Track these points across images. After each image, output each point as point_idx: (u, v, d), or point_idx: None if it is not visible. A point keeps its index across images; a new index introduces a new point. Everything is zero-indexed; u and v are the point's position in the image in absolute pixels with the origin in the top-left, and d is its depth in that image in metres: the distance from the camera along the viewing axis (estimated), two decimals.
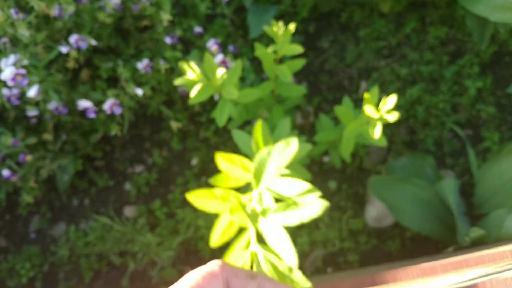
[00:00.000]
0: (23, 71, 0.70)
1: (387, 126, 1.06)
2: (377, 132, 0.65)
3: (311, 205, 0.47)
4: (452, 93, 1.09)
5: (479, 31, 0.99)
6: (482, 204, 0.85)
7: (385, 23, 1.14)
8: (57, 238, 1.08)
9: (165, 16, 0.83)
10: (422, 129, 1.08)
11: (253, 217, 0.47)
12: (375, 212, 1.01)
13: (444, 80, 1.10)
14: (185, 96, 1.02)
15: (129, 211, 1.08)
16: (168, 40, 0.89)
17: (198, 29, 0.96)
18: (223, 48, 1.04)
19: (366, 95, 0.67)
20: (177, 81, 0.63)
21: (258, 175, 0.48)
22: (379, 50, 1.14)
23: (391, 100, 0.64)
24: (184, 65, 0.62)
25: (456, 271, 0.48)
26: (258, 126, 0.54)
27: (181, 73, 0.94)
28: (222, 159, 0.51)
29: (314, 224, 1.04)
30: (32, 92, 0.72)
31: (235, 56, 1.06)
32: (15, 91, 0.72)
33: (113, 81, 0.96)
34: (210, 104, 1.10)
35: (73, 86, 0.90)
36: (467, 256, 0.50)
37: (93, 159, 1.12)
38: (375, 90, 0.70)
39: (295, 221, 0.47)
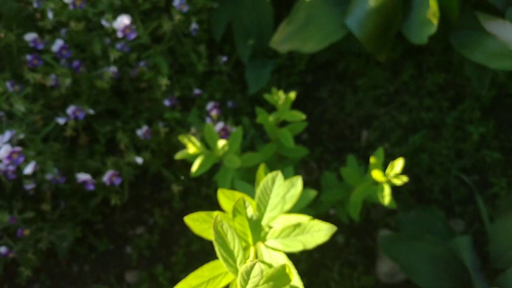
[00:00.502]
0: (18, 148, 0.68)
1: None
2: (386, 197, 0.63)
3: (317, 229, 0.45)
4: (455, 139, 1.08)
5: (478, 77, 0.99)
6: (497, 259, 0.82)
7: (382, 71, 1.14)
8: None
9: (163, 81, 0.83)
10: (427, 177, 1.06)
11: (256, 230, 0.45)
12: (387, 267, 0.98)
13: (446, 126, 1.09)
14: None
15: (130, 276, 1.04)
16: (166, 102, 0.88)
17: (197, 91, 0.95)
18: (221, 104, 1.03)
19: (372, 159, 0.65)
20: (178, 155, 0.61)
21: (261, 203, 0.46)
22: (378, 98, 1.14)
23: (399, 164, 0.62)
24: (184, 139, 0.61)
25: None
26: (261, 170, 0.52)
27: (180, 132, 0.93)
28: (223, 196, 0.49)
29: (324, 284, 1.00)
30: (28, 169, 0.70)
31: (235, 112, 1.05)
32: (11, 167, 0.70)
33: (111, 145, 0.95)
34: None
35: (71, 153, 0.88)
36: None
37: (92, 223, 1.09)
38: (380, 152, 0.69)
39: (298, 247, 0.45)
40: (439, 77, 1.12)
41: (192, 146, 0.60)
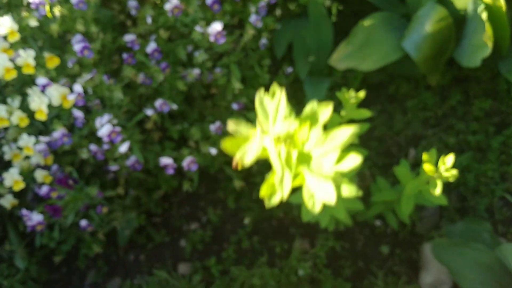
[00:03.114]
0: (118, 128, 0.79)
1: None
2: (437, 190, 0.69)
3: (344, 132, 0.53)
4: (500, 162, 1.13)
5: None
6: None
7: (431, 95, 1.21)
8: None
9: (237, 85, 0.93)
10: (472, 197, 1.10)
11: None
12: (431, 278, 1.01)
13: (491, 149, 1.14)
14: None
15: (183, 267, 1.11)
16: (235, 106, 0.98)
17: None
18: None
19: (425, 156, 0.72)
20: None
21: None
22: (426, 120, 1.20)
23: (449, 159, 0.69)
24: None
25: None
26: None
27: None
28: None
29: None
30: (123, 148, 0.80)
31: None
32: (105, 147, 0.80)
33: (181, 142, 1.04)
34: (265, 165, 1.16)
35: (145, 147, 0.98)
36: None
37: (151, 216, 1.17)
38: (433, 151, 0.75)
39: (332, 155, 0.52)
40: (485, 103, 1.18)
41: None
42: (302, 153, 0.58)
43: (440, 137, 1.17)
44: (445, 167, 0.71)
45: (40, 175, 0.91)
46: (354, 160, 0.59)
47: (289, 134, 0.57)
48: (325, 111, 0.57)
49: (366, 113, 0.76)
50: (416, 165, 1.14)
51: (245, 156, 0.58)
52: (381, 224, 1.11)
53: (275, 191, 0.62)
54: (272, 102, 0.58)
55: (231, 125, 0.61)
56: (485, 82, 1.21)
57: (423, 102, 1.21)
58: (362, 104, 1.23)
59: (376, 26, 1.05)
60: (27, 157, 0.92)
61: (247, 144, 0.58)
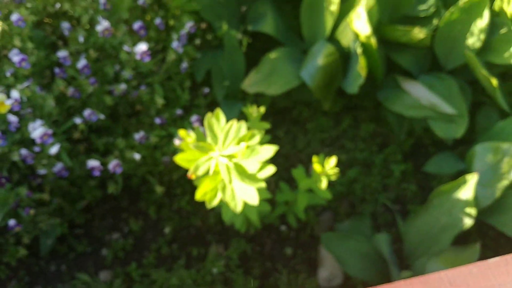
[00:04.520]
0: (50, 131, 0.86)
1: (333, 201, 1.28)
2: (323, 185, 0.87)
3: (265, 150, 0.68)
4: (382, 175, 1.36)
5: (398, 123, 1.30)
6: (408, 256, 1.06)
7: (327, 120, 1.43)
8: None
9: (160, 101, 1.05)
10: (360, 204, 1.31)
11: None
12: (326, 273, 1.18)
13: (375, 165, 1.37)
14: (167, 167, 1.19)
15: (104, 275, 1.17)
16: (158, 120, 1.10)
17: (179, 111, 1.18)
18: None
19: (314, 158, 0.90)
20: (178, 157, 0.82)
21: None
22: (323, 140, 1.41)
23: (332, 161, 0.87)
24: (183, 132, 0.83)
25: None
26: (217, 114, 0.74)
27: (167, 143, 1.14)
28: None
29: (275, 286, 1.18)
30: (54, 149, 0.88)
31: None
32: (36, 149, 0.87)
33: (105, 155, 1.13)
34: (185, 179, 1.28)
35: (71, 157, 1.06)
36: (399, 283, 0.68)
37: (74, 227, 1.23)
38: (322, 156, 0.93)
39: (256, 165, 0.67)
40: (370, 127, 1.42)
41: (190, 137, 0.81)
42: (235, 164, 0.72)
43: (334, 155, 1.39)
44: (329, 166, 0.89)
45: None
46: (270, 170, 0.75)
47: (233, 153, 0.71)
48: (242, 128, 0.73)
49: (265, 125, 0.93)
50: None
51: (198, 169, 0.70)
52: (286, 229, 1.27)
53: (215, 194, 0.76)
54: (222, 128, 0.72)
55: (178, 141, 0.74)
56: (369, 109, 1.46)
57: (321, 125, 1.42)
58: (271, 126, 1.42)
59: (280, 58, 1.25)
60: None
61: (199, 160, 0.71)
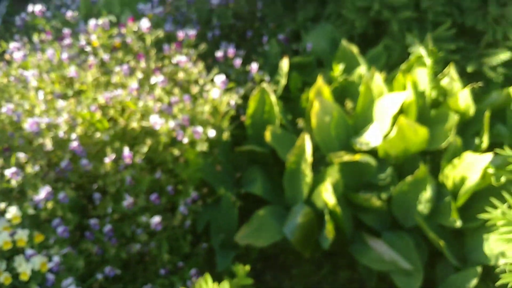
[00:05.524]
0: None
1: None
2: None
3: None
4: None
5: (368, 274, 1.51)
6: None
7: (309, 266, 1.65)
8: None
9: (165, 256, 1.30)
10: None
11: None
12: None
13: None
14: None
15: None
16: (162, 271, 1.33)
17: (180, 263, 1.41)
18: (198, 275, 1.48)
19: None
20: None
21: None
22: (306, 283, 1.61)
23: None
24: None
25: None
26: None
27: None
28: None
29: None
30: None
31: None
32: None
33: None
34: None
35: None
36: None
37: None
38: None
39: None
40: (347, 274, 1.63)
41: None
42: None
43: None
44: None
45: None
46: None
47: None
48: None
49: (248, 280, 1.15)
50: None
51: None
52: None
53: None
54: None
55: None
56: (347, 256, 1.68)
57: (304, 271, 1.64)
58: (260, 271, 1.64)
59: (266, 215, 1.52)
60: None
61: None
